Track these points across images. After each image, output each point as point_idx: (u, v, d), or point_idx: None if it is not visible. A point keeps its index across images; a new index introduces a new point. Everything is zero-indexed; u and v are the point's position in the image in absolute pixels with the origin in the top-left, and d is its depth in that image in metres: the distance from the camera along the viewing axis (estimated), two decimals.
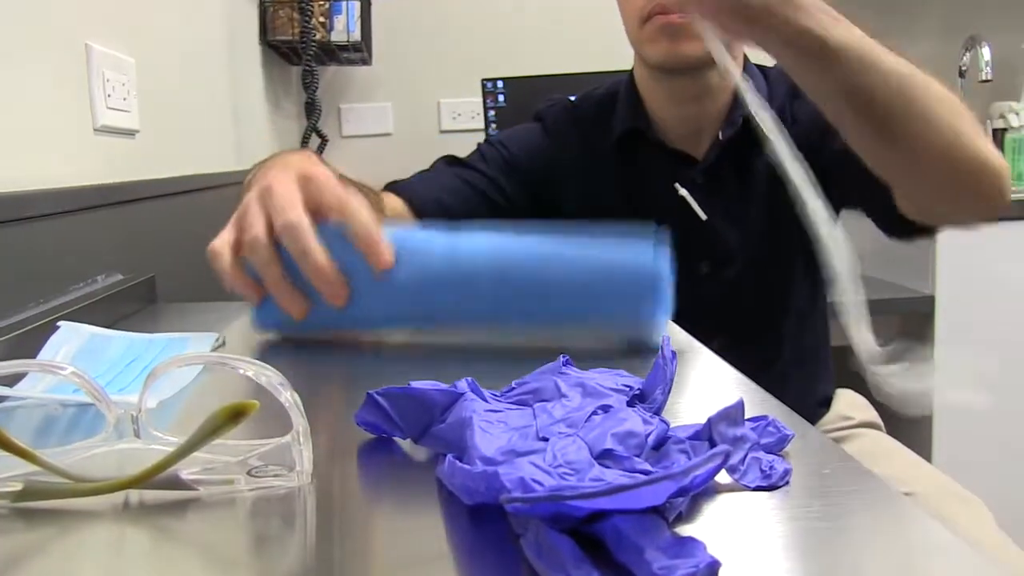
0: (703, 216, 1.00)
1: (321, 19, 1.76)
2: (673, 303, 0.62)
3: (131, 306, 0.78)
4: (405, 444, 0.40)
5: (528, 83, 1.84)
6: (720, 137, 0.99)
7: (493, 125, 1.86)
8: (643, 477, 0.27)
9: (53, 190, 0.71)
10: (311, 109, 1.81)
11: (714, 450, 0.29)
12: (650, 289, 0.56)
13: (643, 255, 0.57)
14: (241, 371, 0.35)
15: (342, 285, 0.56)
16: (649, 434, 0.35)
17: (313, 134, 1.83)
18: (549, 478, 0.30)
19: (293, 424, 0.35)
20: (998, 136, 2.14)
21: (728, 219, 1.00)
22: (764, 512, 0.32)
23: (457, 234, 0.59)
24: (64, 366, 0.36)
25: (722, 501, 0.32)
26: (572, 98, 1.13)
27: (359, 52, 1.90)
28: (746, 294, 1.02)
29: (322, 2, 1.75)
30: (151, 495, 0.34)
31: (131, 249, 0.87)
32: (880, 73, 0.69)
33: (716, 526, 0.30)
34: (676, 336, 0.63)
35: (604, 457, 0.33)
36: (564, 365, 0.44)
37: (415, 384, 0.39)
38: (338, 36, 1.79)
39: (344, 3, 1.77)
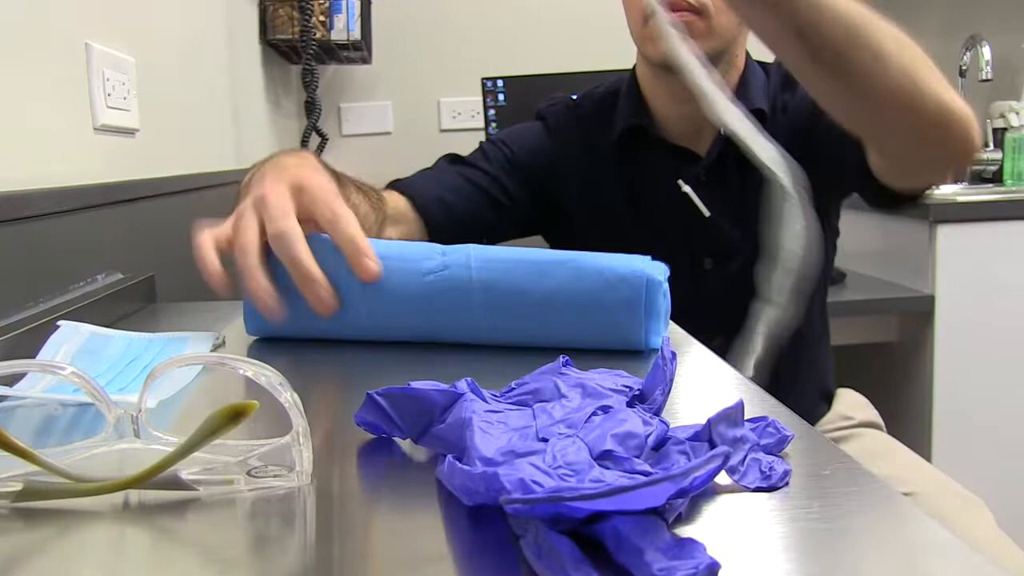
0: (706, 213, 1.00)
1: (321, 18, 1.76)
2: (673, 304, 0.62)
3: (131, 305, 0.78)
4: (405, 444, 0.40)
5: (528, 82, 1.84)
6: (722, 132, 1.00)
7: (493, 124, 1.86)
8: (643, 478, 0.27)
9: (53, 189, 0.71)
10: (311, 108, 1.81)
11: (714, 451, 0.29)
12: (646, 315, 0.56)
13: (636, 282, 0.56)
14: (241, 371, 0.35)
15: (331, 295, 0.56)
16: (649, 435, 0.35)
17: (313, 133, 1.82)
18: (549, 479, 0.30)
19: (293, 424, 0.35)
20: (998, 135, 2.14)
21: (730, 215, 1.00)
22: (764, 513, 0.32)
23: (452, 250, 0.59)
24: (64, 366, 0.36)
25: (722, 502, 0.32)
26: (574, 97, 1.13)
27: (359, 51, 1.90)
28: (749, 290, 1.02)
29: (322, 1, 1.75)
30: (151, 495, 0.34)
31: (131, 248, 0.87)
32: (830, 12, 0.69)
33: (716, 527, 0.30)
34: (676, 335, 0.63)
35: (604, 458, 0.33)
36: (564, 366, 0.44)
37: (415, 384, 0.39)
38: (338, 35, 1.79)
39: (344, 2, 1.77)
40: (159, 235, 0.97)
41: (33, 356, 0.55)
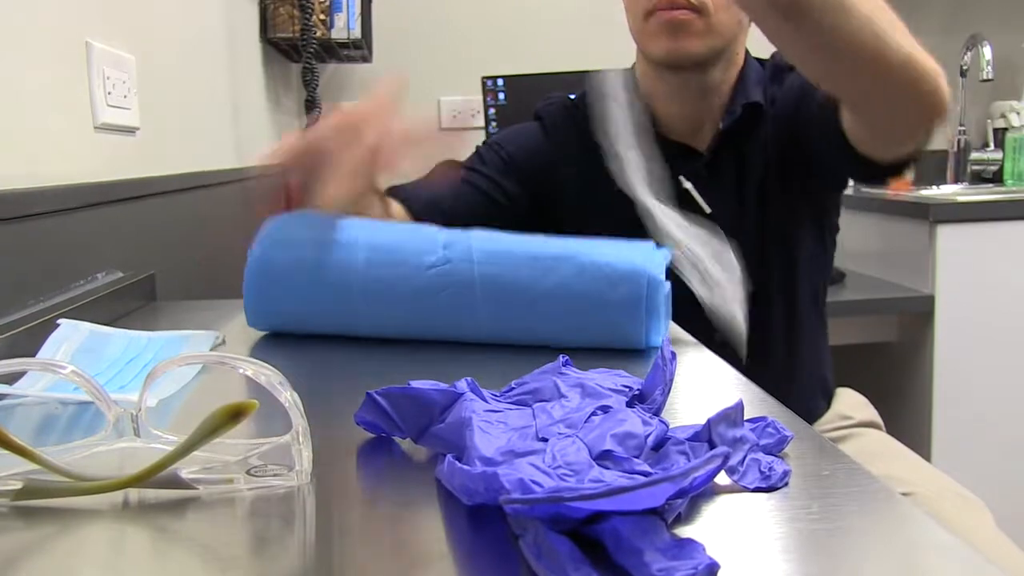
0: (707, 209, 1.00)
1: (321, 16, 1.76)
2: (672, 303, 0.62)
3: (131, 304, 0.78)
4: (404, 444, 0.40)
5: (528, 81, 1.84)
6: (721, 127, 1.00)
7: (493, 123, 1.86)
8: (642, 479, 0.27)
9: (53, 187, 0.71)
10: (311, 106, 1.80)
11: (713, 452, 0.29)
12: (647, 313, 0.56)
13: (638, 280, 0.56)
14: (241, 370, 0.35)
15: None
16: (648, 435, 0.35)
17: None
18: (548, 479, 0.30)
19: (292, 424, 0.35)
20: (999, 135, 2.14)
21: (729, 210, 1.01)
22: (763, 513, 0.32)
23: (453, 242, 0.59)
24: (64, 365, 0.36)
25: (721, 502, 0.33)
26: (572, 96, 1.13)
27: (359, 50, 1.89)
28: (748, 286, 1.02)
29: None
30: (151, 494, 0.34)
31: (131, 247, 0.87)
32: None
33: (715, 527, 0.31)
34: (675, 335, 0.63)
35: (603, 458, 0.33)
36: (564, 365, 0.44)
37: (415, 384, 0.39)
38: (338, 34, 1.78)
39: (344, 1, 1.77)
40: (159, 233, 0.97)
41: (33, 354, 0.55)
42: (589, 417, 0.37)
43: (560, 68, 1.82)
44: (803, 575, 0.27)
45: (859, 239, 1.83)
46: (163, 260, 0.93)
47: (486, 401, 0.40)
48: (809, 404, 1.09)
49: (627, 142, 0.74)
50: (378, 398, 0.39)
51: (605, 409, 0.38)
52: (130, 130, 0.92)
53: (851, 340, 1.67)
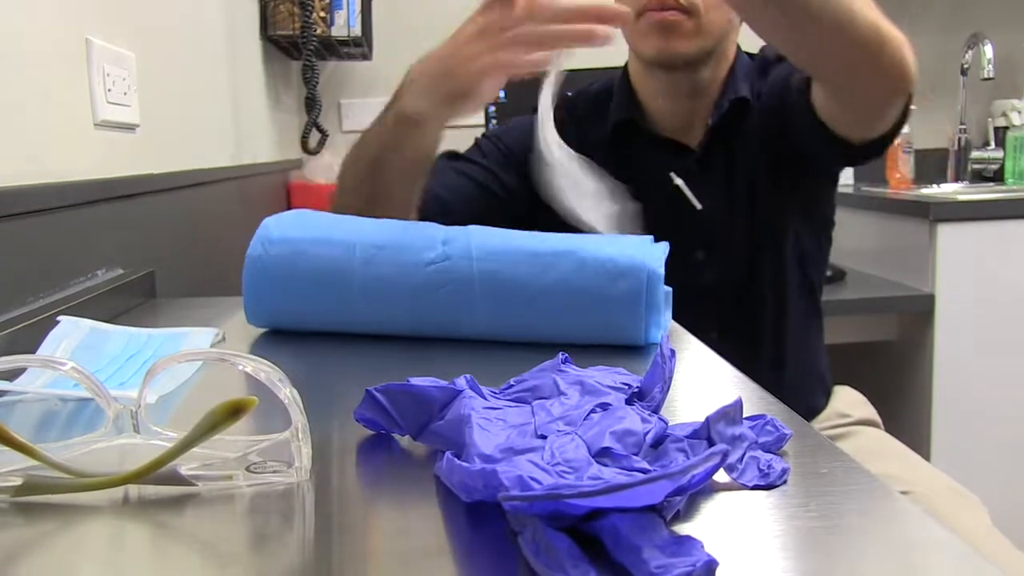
0: (698, 205, 1.00)
1: (322, 14, 1.76)
2: (672, 300, 0.62)
3: (131, 301, 0.78)
4: (404, 441, 0.40)
5: (527, 79, 1.83)
6: (710, 123, 1.00)
7: (493, 120, 1.86)
8: (641, 476, 0.27)
9: (53, 184, 0.71)
10: (311, 104, 1.80)
11: (712, 449, 0.29)
12: (647, 309, 0.56)
13: (637, 276, 0.56)
14: (240, 367, 0.35)
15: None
16: (647, 432, 0.35)
17: (313, 129, 1.82)
18: (547, 476, 0.30)
19: (292, 420, 0.35)
20: (999, 134, 2.14)
21: (721, 206, 1.01)
22: (762, 511, 0.32)
23: (452, 239, 0.59)
24: (64, 361, 0.36)
25: (720, 500, 0.33)
26: (569, 94, 1.13)
27: (359, 47, 1.89)
28: (739, 280, 1.02)
29: None
30: (150, 490, 0.34)
31: (131, 244, 0.87)
32: None
33: (714, 525, 0.31)
34: (675, 332, 0.63)
35: (602, 455, 0.33)
36: (563, 363, 0.44)
37: (414, 381, 0.39)
38: (338, 31, 1.78)
39: None
40: (159, 230, 0.97)
41: (33, 351, 0.55)
42: (588, 414, 0.37)
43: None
44: (801, 572, 0.28)
45: (859, 238, 1.83)
46: (163, 257, 0.93)
47: (485, 398, 0.40)
48: (808, 401, 1.09)
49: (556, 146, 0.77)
50: (377, 395, 0.40)
51: (604, 406, 0.38)
52: (130, 127, 0.92)
53: (851, 339, 1.67)
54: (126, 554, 0.31)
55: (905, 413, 1.69)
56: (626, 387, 0.41)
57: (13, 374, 0.49)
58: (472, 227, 0.61)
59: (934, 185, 2.03)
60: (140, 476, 0.34)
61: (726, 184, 1.01)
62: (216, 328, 0.62)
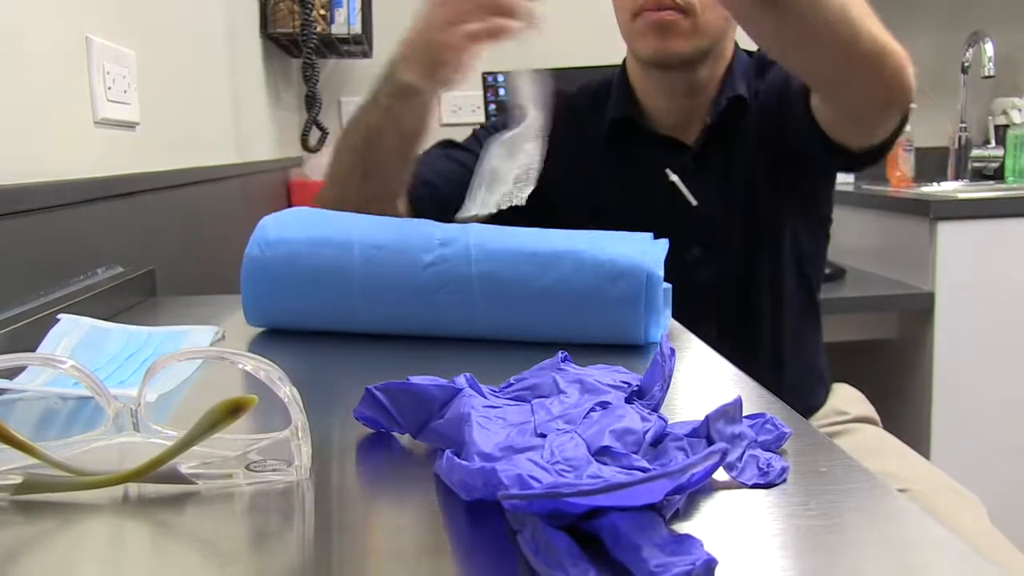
0: (693, 202, 1.00)
1: (322, 12, 1.76)
2: (672, 299, 0.62)
3: (131, 299, 0.78)
4: (403, 439, 0.40)
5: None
6: (707, 121, 1.00)
7: (494, 119, 1.86)
8: (640, 475, 0.27)
9: (53, 182, 0.71)
10: (311, 102, 1.80)
11: (712, 448, 0.29)
12: (646, 309, 0.56)
13: (637, 277, 0.55)
14: (240, 366, 0.35)
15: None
16: (647, 431, 0.35)
17: (314, 127, 1.82)
18: (547, 475, 0.30)
19: (292, 419, 0.35)
20: (1000, 132, 2.13)
21: (717, 203, 1.01)
22: (761, 510, 0.32)
23: (450, 240, 0.59)
24: (64, 360, 0.36)
25: (719, 498, 0.33)
26: (569, 90, 1.13)
27: (360, 45, 1.89)
28: (737, 278, 1.02)
29: None
30: (150, 489, 0.34)
31: (131, 242, 0.87)
32: None
33: (713, 523, 0.31)
34: (675, 330, 0.63)
35: (602, 454, 0.33)
36: (562, 361, 0.44)
37: (414, 379, 0.39)
38: (339, 29, 1.78)
39: None
40: (159, 229, 0.97)
41: (33, 349, 0.55)
42: (588, 413, 0.37)
43: (560, 64, 1.82)
44: (800, 571, 0.28)
45: (859, 236, 1.83)
46: (163, 255, 0.93)
47: (485, 397, 0.40)
48: (807, 399, 1.09)
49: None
50: (377, 393, 0.40)
51: (604, 405, 0.38)
52: (130, 125, 0.92)
53: (851, 337, 1.67)
54: (126, 552, 0.31)
55: (905, 411, 1.69)
56: (626, 385, 0.41)
57: (13, 372, 0.49)
58: (470, 225, 0.61)
59: (934, 183, 2.03)
60: (140, 474, 0.34)
61: (723, 182, 1.01)
62: (216, 326, 0.62)
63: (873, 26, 0.78)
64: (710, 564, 0.26)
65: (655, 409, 0.40)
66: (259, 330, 0.63)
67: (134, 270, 0.82)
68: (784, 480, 0.34)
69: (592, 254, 0.56)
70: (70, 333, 0.58)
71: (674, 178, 1.01)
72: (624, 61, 1.08)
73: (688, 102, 1.01)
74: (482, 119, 1.89)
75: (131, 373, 0.53)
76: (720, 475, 0.34)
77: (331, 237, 0.60)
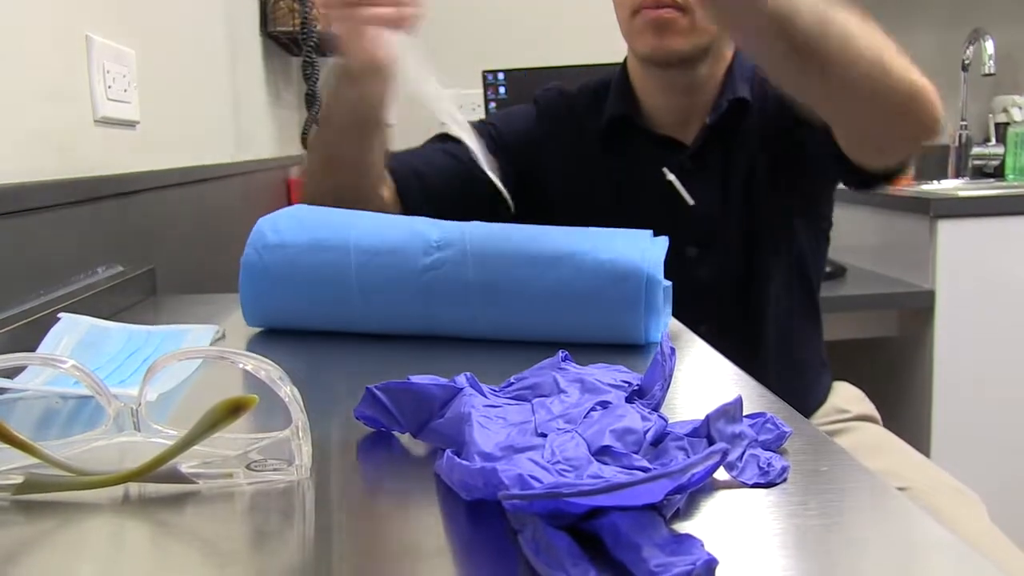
0: (690, 201, 1.00)
1: (322, 10, 1.76)
2: (672, 298, 0.62)
3: (131, 298, 0.78)
4: (404, 439, 0.40)
5: (529, 75, 1.83)
6: (707, 122, 1.00)
7: (493, 117, 1.86)
8: (641, 474, 0.27)
9: (53, 181, 0.71)
10: (311, 100, 1.80)
11: (712, 448, 0.29)
12: (646, 311, 0.56)
13: (636, 279, 0.55)
14: (241, 365, 0.35)
15: None
16: (647, 431, 0.35)
17: (314, 125, 1.82)
18: (547, 475, 0.30)
19: (292, 418, 0.35)
20: (1000, 130, 2.13)
21: (713, 203, 1.01)
22: (762, 509, 0.32)
23: (448, 243, 0.59)
24: (64, 359, 0.36)
25: (720, 498, 0.33)
26: (570, 89, 1.13)
27: None
28: (736, 277, 1.02)
29: None
30: (151, 488, 0.34)
31: (131, 241, 0.87)
32: (801, 3, 0.73)
33: (714, 523, 0.31)
34: (675, 329, 0.63)
35: (602, 454, 0.33)
36: (563, 361, 0.44)
37: (414, 379, 0.39)
38: None
39: None
40: (159, 228, 0.97)
41: (34, 348, 0.55)
42: (588, 412, 0.37)
43: (561, 62, 1.82)
44: (801, 571, 0.28)
45: (859, 234, 1.83)
46: (163, 254, 0.93)
47: (485, 396, 0.40)
48: (807, 398, 1.09)
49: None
50: (378, 393, 0.40)
51: (604, 404, 0.38)
52: (130, 124, 0.92)
53: (851, 335, 1.67)
54: (126, 552, 0.31)
55: (905, 410, 1.69)
56: (626, 385, 0.41)
57: (13, 372, 0.49)
58: (467, 225, 0.60)
59: (935, 181, 2.03)
60: (140, 474, 0.34)
61: (721, 182, 1.01)
62: (216, 325, 0.62)
63: (903, 67, 0.77)
64: (710, 564, 0.26)
65: (655, 408, 0.40)
66: (259, 329, 0.63)
67: (134, 269, 0.82)
68: (784, 479, 0.34)
69: (591, 256, 0.56)
70: (70, 332, 0.58)
71: (671, 177, 1.01)
72: (625, 60, 1.08)
73: (687, 100, 1.01)
74: (482, 117, 1.89)
75: (131, 372, 0.53)
76: (720, 474, 0.34)
77: (328, 241, 0.60)
